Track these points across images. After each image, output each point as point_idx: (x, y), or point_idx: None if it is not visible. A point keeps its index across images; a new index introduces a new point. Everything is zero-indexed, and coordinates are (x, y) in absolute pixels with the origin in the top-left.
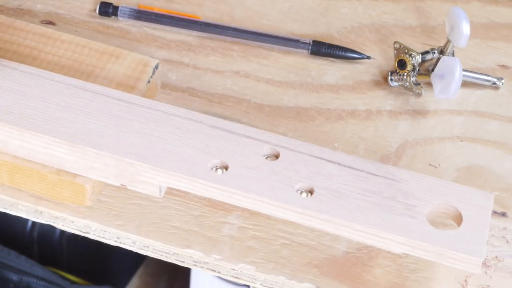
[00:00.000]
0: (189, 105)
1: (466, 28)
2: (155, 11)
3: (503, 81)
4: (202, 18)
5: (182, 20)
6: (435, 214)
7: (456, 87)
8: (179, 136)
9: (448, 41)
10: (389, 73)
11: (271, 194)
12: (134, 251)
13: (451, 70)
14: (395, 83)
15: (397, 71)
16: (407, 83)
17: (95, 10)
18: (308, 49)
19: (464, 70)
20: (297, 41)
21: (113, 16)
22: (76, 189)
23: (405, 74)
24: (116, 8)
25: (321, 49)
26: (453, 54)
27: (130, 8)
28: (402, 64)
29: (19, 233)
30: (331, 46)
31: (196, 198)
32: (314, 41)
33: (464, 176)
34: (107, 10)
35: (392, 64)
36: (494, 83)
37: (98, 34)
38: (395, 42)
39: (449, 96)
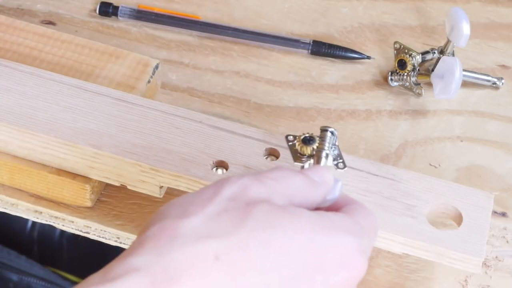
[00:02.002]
0: (189, 105)
1: (466, 28)
2: (155, 11)
3: (503, 81)
4: (202, 18)
5: (182, 20)
6: (435, 214)
7: (456, 87)
8: (179, 136)
9: (448, 41)
10: (389, 73)
11: None
12: None
13: (451, 70)
14: (395, 83)
15: (397, 71)
16: (407, 83)
17: (95, 10)
18: (308, 49)
19: (464, 70)
20: (297, 41)
21: (113, 16)
22: (76, 189)
23: (405, 74)
24: (116, 8)
25: (321, 49)
26: (453, 54)
27: (130, 8)
28: (402, 64)
29: (19, 233)
30: (331, 46)
31: None
32: (314, 41)
33: (464, 176)
34: (107, 10)
35: (392, 64)
36: (494, 83)
37: (98, 34)
38: (395, 42)
39: (449, 96)
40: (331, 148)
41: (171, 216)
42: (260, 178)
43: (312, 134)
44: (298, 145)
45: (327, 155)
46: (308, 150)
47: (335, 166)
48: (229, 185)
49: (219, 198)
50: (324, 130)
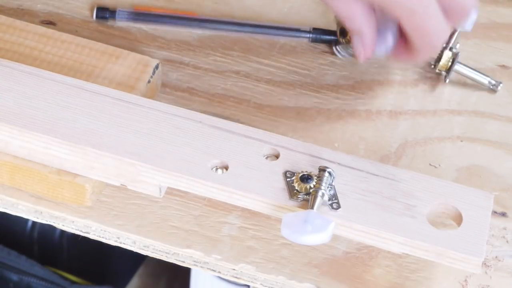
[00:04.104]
0: (189, 105)
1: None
2: (153, 11)
3: (501, 85)
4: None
5: (179, 18)
6: (435, 214)
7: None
8: (179, 136)
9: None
10: (334, 44)
11: (271, 194)
12: (134, 251)
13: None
14: (343, 53)
15: (340, 41)
16: (350, 49)
17: (91, 15)
18: (308, 38)
19: (463, 65)
20: (297, 30)
21: (110, 20)
22: (77, 189)
23: (346, 41)
24: (113, 12)
25: (322, 36)
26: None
27: (127, 11)
28: (342, 32)
29: (19, 233)
30: (332, 32)
31: (196, 198)
32: (314, 29)
33: (464, 176)
34: (104, 15)
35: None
36: (493, 85)
37: (98, 34)
38: (335, 16)
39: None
40: (328, 188)
41: None
42: None
43: (310, 172)
44: (296, 182)
45: (323, 195)
46: (305, 188)
47: (330, 206)
48: None
49: None
50: (322, 169)
